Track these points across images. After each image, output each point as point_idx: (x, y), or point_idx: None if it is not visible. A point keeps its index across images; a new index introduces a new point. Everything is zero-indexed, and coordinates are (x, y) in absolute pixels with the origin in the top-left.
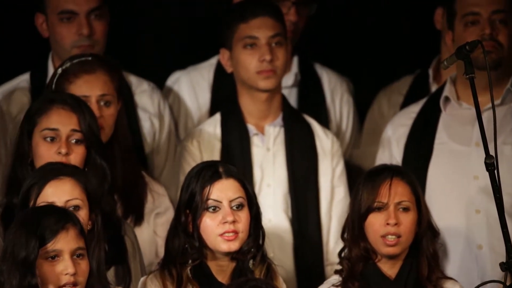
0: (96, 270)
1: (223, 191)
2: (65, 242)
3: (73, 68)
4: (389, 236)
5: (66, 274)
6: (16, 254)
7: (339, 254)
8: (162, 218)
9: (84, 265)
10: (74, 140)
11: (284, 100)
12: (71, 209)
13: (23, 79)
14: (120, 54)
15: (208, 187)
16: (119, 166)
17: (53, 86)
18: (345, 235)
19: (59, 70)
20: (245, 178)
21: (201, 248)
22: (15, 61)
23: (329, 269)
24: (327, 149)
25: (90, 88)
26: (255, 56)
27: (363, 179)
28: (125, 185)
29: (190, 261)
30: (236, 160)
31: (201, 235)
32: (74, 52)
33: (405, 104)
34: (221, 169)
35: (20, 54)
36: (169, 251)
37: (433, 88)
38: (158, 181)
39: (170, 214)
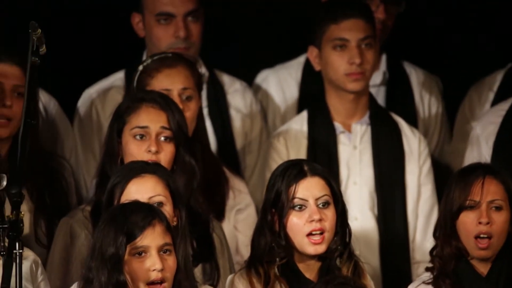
0: (183, 267)
1: (309, 189)
2: (152, 238)
3: (154, 64)
4: (482, 236)
5: (154, 270)
6: (105, 251)
7: (431, 252)
8: (243, 214)
9: (171, 261)
10: (163, 138)
11: (371, 98)
12: (154, 205)
13: (118, 78)
14: (212, 53)
15: (294, 185)
16: (200, 161)
17: (135, 83)
18: (437, 233)
19: (140, 67)
20: (331, 176)
21: (288, 246)
22: (111, 58)
23: (415, 267)
24: (414, 148)
25: (172, 81)
26: (345, 58)
27: (455, 177)
28: (207, 182)
29: (277, 260)
30: (322, 158)
31: (288, 233)
32: None
33: (496, 100)
34: (306, 168)
35: (115, 52)
36: (256, 249)
37: None
38: (247, 180)
39: (251, 210)
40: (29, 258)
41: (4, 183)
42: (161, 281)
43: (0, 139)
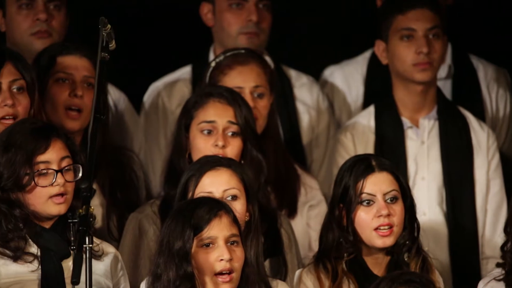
0: (254, 261)
1: (377, 184)
2: (219, 229)
3: (227, 60)
4: None
5: (221, 260)
6: (172, 245)
7: (502, 247)
8: (315, 210)
9: (239, 252)
10: (231, 133)
11: (439, 92)
12: (228, 199)
13: (185, 71)
14: (279, 48)
15: (362, 181)
16: (271, 158)
17: (207, 79)
18: (508, 228)
19: (213, 63)
20: (399, 171)
21: (356, 241)
22: (178, 53)
23: (484, 263)
24: (483, 142)
25: (244, 79)
26: (412, 49)
27: None
28: (278, 178)
29: (345, 255)
30: (390, 153)
31: (356, 229)
32: (240, 39)
33: None
34: (374, 163)
35: (183, 46)
36: (323, 245)
37: None
38: (315, 174)
39: (322, 207)
40: (110, 254)
41: (80, 173)
42: (229, 272)
43: (72, 131)
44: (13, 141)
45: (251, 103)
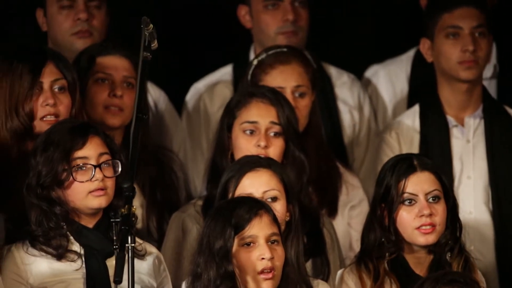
0: (295, 261)
1: (419, 184)
2: (259, 228)
3: (269, 59)
4: None
5: (263, 259)
6: (212, 245)
7: None
8: (356, 210)
9: (279, 251)
10: (273, 133)
11: (484, 91)
12: (268, 200)
13: (226, 72)
14: (320, 46)
15: (404, 180)
16: (313, 157)
17: (249, 76)
18: None
19: (255, 61)
20: (443, 170)
21: (398, 241)
22: (219, 53)
23: None
24: None
25: (285, 79)
26: (458, 46)
27: None
28: (319, 177)
29: (387, 255)
30: (435, 152)
31: (398, 228)
32: (279, 39)
33: None
34: (416, 162)
35: (223, 47)
36: (365, 244)
37: None
38: (356, 173)
39: (364, 206)
40: (152, 254)
41: (119, 169)
42: (270, 270)
43: (113, 127)
44: (52, 140)
45: (292, 103)
